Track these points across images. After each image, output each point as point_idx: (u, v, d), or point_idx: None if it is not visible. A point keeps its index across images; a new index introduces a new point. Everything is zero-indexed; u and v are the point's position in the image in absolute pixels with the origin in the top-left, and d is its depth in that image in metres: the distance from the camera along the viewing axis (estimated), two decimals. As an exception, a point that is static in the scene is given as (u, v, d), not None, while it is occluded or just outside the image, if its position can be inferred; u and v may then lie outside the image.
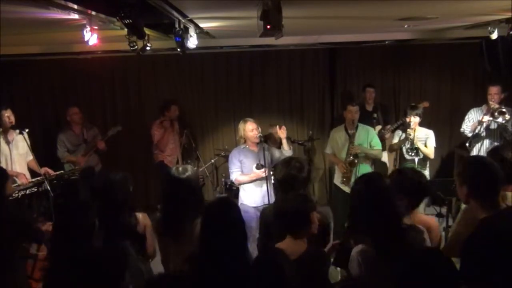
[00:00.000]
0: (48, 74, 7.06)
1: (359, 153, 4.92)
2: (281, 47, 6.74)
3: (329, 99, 7.28)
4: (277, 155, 4.65)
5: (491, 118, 5.30)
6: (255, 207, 4.51)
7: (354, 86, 7.17)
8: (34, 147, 5.19)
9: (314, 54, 7.16)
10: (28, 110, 6.96)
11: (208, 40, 6.04)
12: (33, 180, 4.89)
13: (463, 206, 3.02)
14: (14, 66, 6.73)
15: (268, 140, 5.85)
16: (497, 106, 5.24)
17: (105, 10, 3.40)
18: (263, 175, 4.44)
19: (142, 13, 3.29)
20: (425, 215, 3.12)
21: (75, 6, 3.05)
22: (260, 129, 4.67)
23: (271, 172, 4.58)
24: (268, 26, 3.11)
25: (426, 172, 5.31)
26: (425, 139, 5.29)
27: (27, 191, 4.62)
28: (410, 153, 5.29)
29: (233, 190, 5.72)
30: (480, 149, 5.47)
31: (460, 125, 5.76)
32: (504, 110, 5.19)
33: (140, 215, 3.07)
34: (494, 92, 5.30)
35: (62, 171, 5.29)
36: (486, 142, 5.47)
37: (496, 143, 5.35)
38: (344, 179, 5.00)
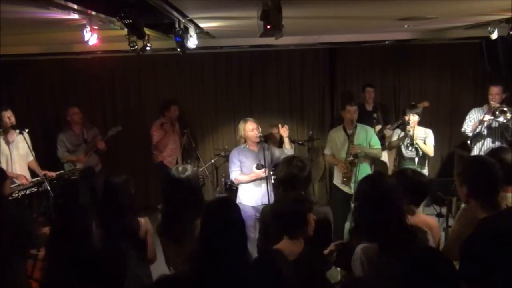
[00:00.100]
0: (48, 74, 7.06)
1: (359, 153, 4.92)
2: (281, 47, 6.74)
3: (329, 99, 7.28)
4: (277, 154, 4.65)
5: (492, 117, 5.29)
6: (253, 207, 4.51)
7: (354, 86, 7.17)
8: (34, 147, 5.19)
9: (314, 54, 7.16)
10: (28, 110, 6.96)
11: (208, 40, 6.04)
12: (33, 180, 4.89)
13: (463, 206, 3.02)
14: (14, 66, 6.73)
15: (268, 140, 5.85)
16: (498, 105, 5.24)
17: (105, 10, 3.40)
18: (263, 175, 4.44)
19: (142, 13, 3.29)
20: (425, 215, 3.12)
21: (75, 6, 3.05)
22: (260, 129, 4.67)
23: (271, 172, 4.58)
24: (268, 26, 3.10)
25: (425, 171, 5.31)
26: (424, 138, 5.30)
27: (27, 191, 4.62)
28: (410, 149, 5.28)
29: (233, 190, 5.71)
30: (481, 148, 5.46)
31: (460, 125, 5.76)
32: (505, 109, 5.18)
33: (142, 220, 3.06)
34: (495, 92, 5.29)
35: (62, 171, 5.30)
36: (488, 141, 5.46)
37: (497, 142, 5.36)
38: (345, 179, 4.98)
